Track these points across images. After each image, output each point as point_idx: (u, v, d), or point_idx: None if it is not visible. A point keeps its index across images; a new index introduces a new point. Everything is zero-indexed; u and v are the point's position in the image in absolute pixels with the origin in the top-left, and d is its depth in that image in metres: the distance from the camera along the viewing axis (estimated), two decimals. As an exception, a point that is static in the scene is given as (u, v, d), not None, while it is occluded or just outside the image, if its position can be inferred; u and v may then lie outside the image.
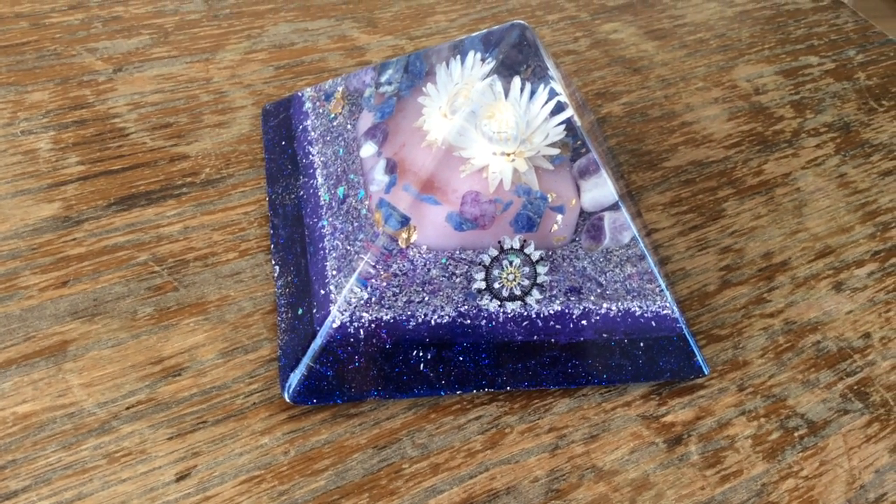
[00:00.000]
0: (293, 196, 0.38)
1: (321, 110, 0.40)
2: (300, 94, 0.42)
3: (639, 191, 0.45)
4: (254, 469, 0.32)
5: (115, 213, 0.39)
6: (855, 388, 0.38)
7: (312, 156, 0.39)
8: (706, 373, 0.37)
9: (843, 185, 0.48)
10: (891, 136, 0.51)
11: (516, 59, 0.33)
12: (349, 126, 0.38)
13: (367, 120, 0.37)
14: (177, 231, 0.39)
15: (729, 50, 0.56)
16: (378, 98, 0.37)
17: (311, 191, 0.37)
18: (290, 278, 0.36)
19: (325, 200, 0.36)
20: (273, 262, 0.38)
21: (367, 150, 0.36)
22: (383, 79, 0.37)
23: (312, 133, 0.39)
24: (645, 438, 0.35)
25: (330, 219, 0.35)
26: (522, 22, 0.34)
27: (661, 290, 0.35)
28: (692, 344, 0.36)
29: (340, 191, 0.36)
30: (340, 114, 0.39)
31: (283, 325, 0.35)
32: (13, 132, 0.42)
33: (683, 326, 0.36)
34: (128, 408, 0.33)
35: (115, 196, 0.40)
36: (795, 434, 0.36)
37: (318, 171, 0.38)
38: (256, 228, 0.40)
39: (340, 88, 0.39)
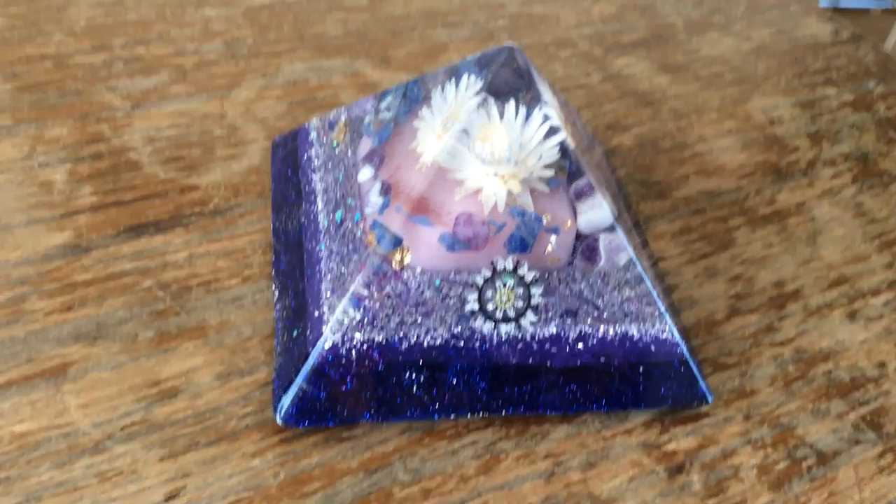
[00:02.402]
0: (295, 222, 0.39)
1: (325, 139, 0.40)
2: (307, 125, 0.43)
3: (647, 220, 0.45)
4: (242, 491, 0.32)
5: (124, 241, 0.40)
6: (868, 418, 0.36)
7: (314, 183, 0.39)
8: (710, 400, 0.36)
9: (859, 214, 0.47)
10: (911, 166, 0.50)
11: (506, 80, 0.33)
12: (350, 153, 0.38)
13: (366, 145, 0.37)
14: (182, 258, 0.40)
15: (744, 83, 0.56)
16: (377, 124, 0.37)
17: (312, 216, 0.38)
18: (287, 302, 0.36)
19: (324, 225, 0.37)
20: (273, 288, 0.38)
21: (365, 174, 0.36)
22: (383, 105, 0.38)
23: (315, 161, 0.40)
24: (645, 466, 0.34)
25: (327, 242, 0.36)
26: (513, 44, 0.34)
27: (661, 314, 0.35)
28: (695, 370, 0.35)
29: (338, 215, 0.36)
30: (342, 141, 0.39)
31: (279, 347, 0.35)
32: (31, 165, 0.43)
33: (685, 351, 0.35)
34: (122, 428, 0.33)
35: (125, 225, 0.41)
36: (804, 464, 0.35)
37: (319, 198, 0.38)
38: (260, 256, 0.40)
39: (343, 117, 0.40)
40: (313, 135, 0.42)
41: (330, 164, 0.39)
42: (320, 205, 0.38)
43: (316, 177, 0.39)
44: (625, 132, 0.50)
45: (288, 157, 0.43)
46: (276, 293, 0.37)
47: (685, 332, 0.37)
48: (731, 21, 0.62)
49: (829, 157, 0.50)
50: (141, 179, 0.43)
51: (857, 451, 0.35)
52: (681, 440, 0.35)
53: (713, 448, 0.35)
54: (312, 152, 0.41)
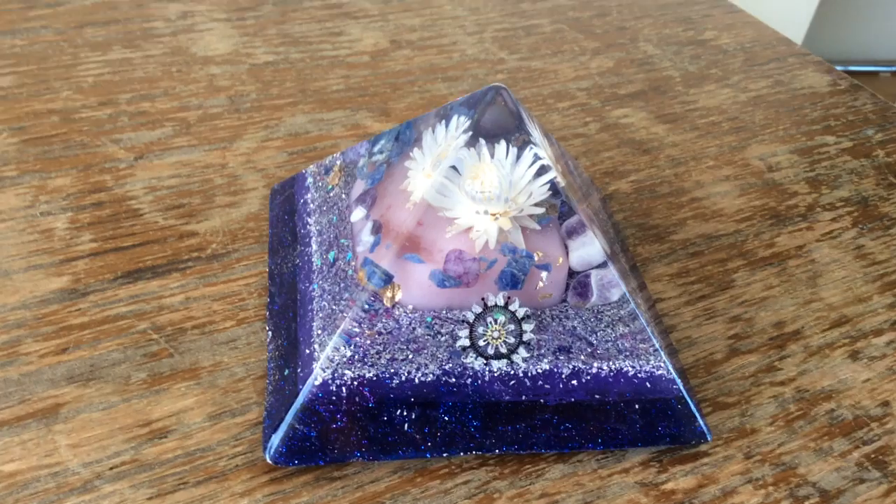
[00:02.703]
0: (290, 265, 0.39)
1: (320, 183, 0.41)
2: (304, 171, 0.43)
3: (645, 263, 0.45)
4: (230, 530, 0.31)
5: (121, 285, 0.40)
6: (872, 456, 0.36)
7: (309, 226, 0.39)
8: (709, 438, 0.35)
9: (860, 256, 0.46)
10: (912, 209, 0.50)
11: (495, 120, 0.34)
12: (344, 195, 0.39)
13: (359, 187, 0.38)
14: (178, 302, 0.40)
15: (742, 131, 0.56)
16: (370, 166, 0.38)
17: (306, 258, 0.38)
18: (280, 342, 0.36)
19: (317, 265, 0.37)
20: (267, 329, 0.38)
21: (357, 214, 0.36)
22: (376, 148, 0.38)
23: (311, 205, 0.40)
24: (643, 506, 0.33)
25: (320, 282, 0.36)
26: (500, 84, 0.34)
27: (656, 350, 0.34)
28: (693, 407, 0.35)
29: (331, 255, 0.36)
30: (337, 185, 0.39)
31: (270, 387, 0.35)
32: (33, 213, 0.44)
33: (681, 387, 0.35)
34: (111, 468, 0.33)
35: (123, 270, 0.41)
36: (806, 503, 0.34)
37: (314, 240, 0.38)
38: (256, 299, 0.40)
39: (339, 162, 0.41)
40: (310, 180, 0.42)
41: (325, 206, 0.39)
42: (314, 246, 0.38)
43: (311, 220, 0.40)
44: (622, 179, 0.50)
45: (285, 202, 0.43)
46: (270, 334, 0.37)
47: (683, 372, 0.37)
48: (729, 73, 0.63)
49: (829, 202, 0.50)
50: (140, 226, 0.44)
51: (862, 489, 0.34)
52: (679, 479, 0.34)
53: (713, 487, 0.34)
54: (308, 197, 0.41)
